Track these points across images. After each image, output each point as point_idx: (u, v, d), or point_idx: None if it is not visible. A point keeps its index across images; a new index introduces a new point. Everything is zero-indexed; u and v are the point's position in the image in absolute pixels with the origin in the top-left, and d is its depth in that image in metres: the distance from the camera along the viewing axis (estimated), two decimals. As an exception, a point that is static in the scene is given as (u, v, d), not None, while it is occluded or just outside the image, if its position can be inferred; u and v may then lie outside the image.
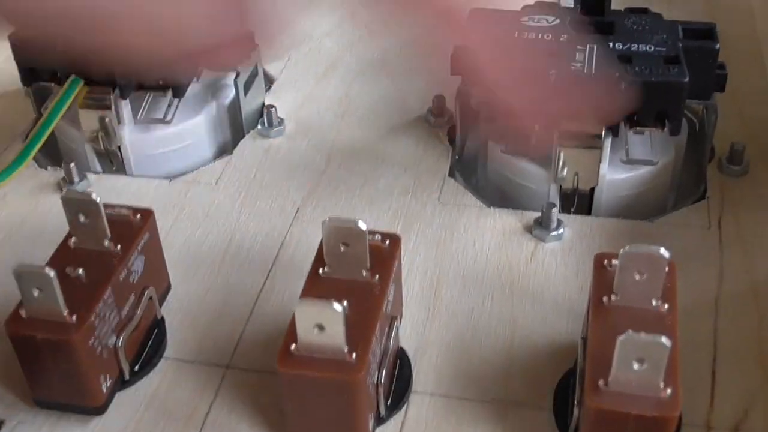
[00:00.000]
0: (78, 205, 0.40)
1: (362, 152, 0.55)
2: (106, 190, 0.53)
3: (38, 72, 0.53)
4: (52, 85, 0.54)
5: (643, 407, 0.33)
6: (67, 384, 0.39)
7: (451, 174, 0.53)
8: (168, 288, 0.46)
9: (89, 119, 0.53)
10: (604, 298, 0.37)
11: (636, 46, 0.49)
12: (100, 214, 0.40)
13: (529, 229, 0.49)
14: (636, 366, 0.33)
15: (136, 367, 0.42)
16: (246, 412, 0.40)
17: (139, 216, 0.42)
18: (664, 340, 0.32)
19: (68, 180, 0.53)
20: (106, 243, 0.41)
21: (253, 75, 0.57)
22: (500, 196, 0.52)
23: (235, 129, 0.57)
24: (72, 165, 0.53)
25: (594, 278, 0.38)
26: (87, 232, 0.41)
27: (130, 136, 0.54)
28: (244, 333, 0.44)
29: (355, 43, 0.65)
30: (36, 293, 0.37)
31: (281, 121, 0.56)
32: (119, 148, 0.54)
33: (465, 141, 0.55)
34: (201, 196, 0.52)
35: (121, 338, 0.40)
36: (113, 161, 0.55)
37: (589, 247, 0.48)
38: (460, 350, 0.42)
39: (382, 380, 0.38)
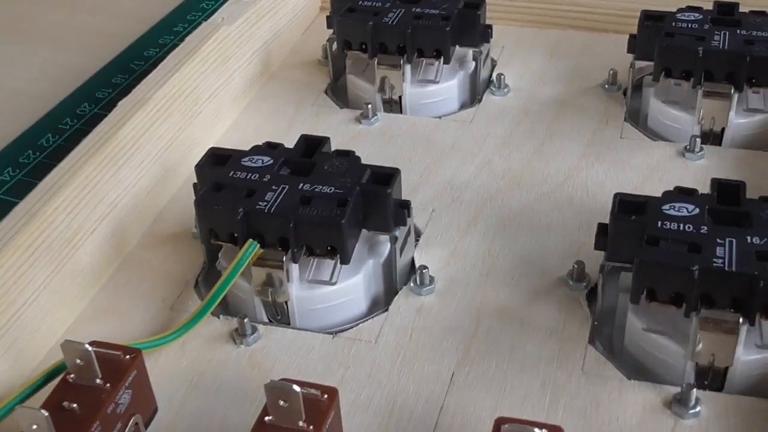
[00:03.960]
0: (279, 393, 0.45)
1: (508, 315, 0.59)
2: (276, 343, 0.58)
3: (218, 233, 0.59)
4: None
5: None
6: None
7: (591, 340, 0.57)
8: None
9: (260, 275, 0.59)
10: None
11: (773, 242, 0.53)
12: (298, 400, 0.45)
13: (667, 405, 0.53)
14: None
15: None
16: None
17: (326, 396, 0.47)
18: None
19: (241, 333, 0.58)
20: (301, 423, 0.46)
21: (408, 234, 0.62)
22: (636, 365, 0.56)
23: (388, 283, 0.62)
24: (246, 320, 0.58)
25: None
26: (284, 414, 0.46)
27: (296, 292, 0.59)
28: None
29: (494, 195, 0.69)
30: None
31: (432, 280, 0.61)
32: (286, 302, 0.59)
33: (604, 310, 0.59)
34: (363, 355, 0.57)
35: None
36: (279, 312, 0.60)
37: (725, 426, 0.52)
38: None
39: None
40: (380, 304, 0.62)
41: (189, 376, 0.56)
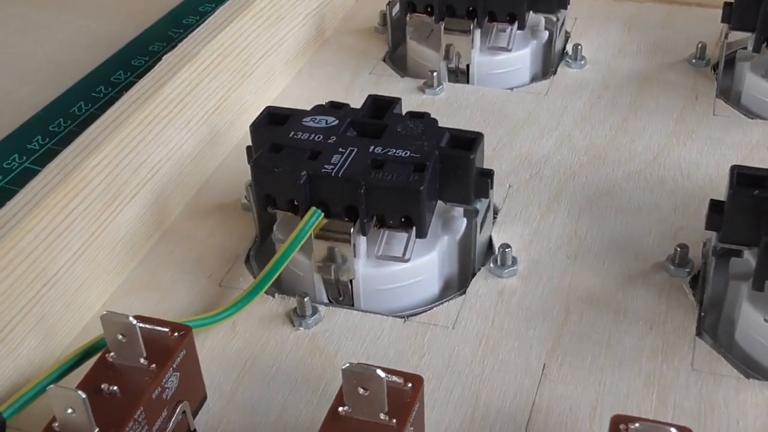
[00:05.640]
0: (359, 379, 0.38)
1: (602, 303, 0.52)
2: (340, 326, 0.51)
3: (275, 200, 0.52)
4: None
5: None
6: None
7: (698, 332, 0.50)
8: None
9: (322, 250, 0.52)
10: None
11: None
12: (382, 388, 0.38)
13: (794, 408, 0.46)
14: None
15: None
16: None
17: (410, 385, 0.40)
18: None
19: (300, 313, 0.51)
20: (382, 416, 0.39)
21: (487, 209, 0.55)
22: (749, 361, 0.49)
23: (463, 263, 0.55)
24: (306, 299, 0.51)
25: None
26: (363, 404, 0.39)
27: (364, 270, 0.52)
28: None
29: (576, 172, 0.62)
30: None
31: (515, 261, 0.54)
32: (351, 281, 0.52)
33: (713, 298, 0.52)
34: (439, 342, 0.50)
35: None
36: (341, 293, 0.53)
37: None
38: None
39: None
40: (453, 287, 0.55)
41: (241, 360, 0.50)
